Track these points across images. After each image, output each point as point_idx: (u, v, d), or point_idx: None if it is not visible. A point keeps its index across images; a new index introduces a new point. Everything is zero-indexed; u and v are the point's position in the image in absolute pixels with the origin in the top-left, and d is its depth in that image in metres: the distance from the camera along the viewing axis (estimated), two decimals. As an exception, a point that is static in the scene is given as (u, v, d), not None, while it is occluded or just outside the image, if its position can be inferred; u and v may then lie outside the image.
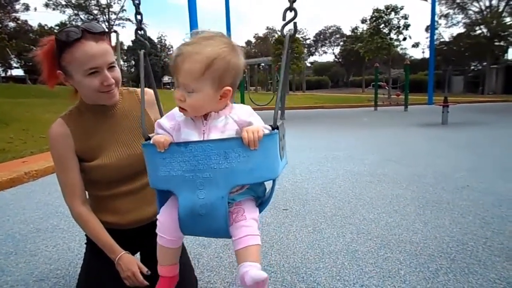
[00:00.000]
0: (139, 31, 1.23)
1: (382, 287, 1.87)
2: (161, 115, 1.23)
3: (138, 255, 1.74)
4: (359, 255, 2.23)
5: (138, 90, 1.52)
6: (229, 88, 1.04)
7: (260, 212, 1.14)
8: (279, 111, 1.08)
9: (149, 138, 1.12)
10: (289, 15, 1.05)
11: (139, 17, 1.25)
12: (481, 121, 9.90)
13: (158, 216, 1.14)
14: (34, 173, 4.39)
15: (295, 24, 1.07)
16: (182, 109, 1.05)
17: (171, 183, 1.05)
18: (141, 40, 1.23)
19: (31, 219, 3.01)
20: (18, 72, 43.47)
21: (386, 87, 19.64)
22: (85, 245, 1.67)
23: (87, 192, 1.55)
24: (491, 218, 2.75)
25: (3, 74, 41.66)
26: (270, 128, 1.04)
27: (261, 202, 1.18)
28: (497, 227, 2.59)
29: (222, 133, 1.04)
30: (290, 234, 2.56)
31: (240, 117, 1.06)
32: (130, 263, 1.41)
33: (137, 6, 1.24)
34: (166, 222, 1.11)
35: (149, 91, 1.65)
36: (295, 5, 1.05)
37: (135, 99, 1.55)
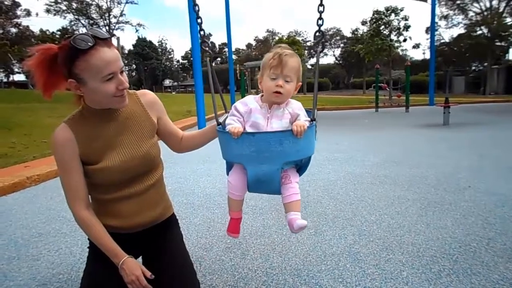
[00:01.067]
0: (203, 44, 1.61)
1: (385, 289, 1.86)
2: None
3: (139, 258, 1.74)
4: (361, 257, 2.22)
5: (138, 92, 1.62)
6: (300, 83, 1.47)
7: (300, 175, 1.52)
8: (316, 109, 1.49)
9: (219, 124, 1.51)
10: (318, 36, 1.52)
11: (202, 32, 1.62)
12: (482, 122, 9.88)
13: (228, 178, 1.49)
14: (36, 178, 4.40)
15: (323, 43, 1.54)
16: (278, 93, 1.40)
17: (242, 159, 1.40)
18: (207, 50, 1.59)
19: (34, 223, 3.02)
20: (20, 77, 43.66)
21: (387, 89, 19.61)
22: (87, 249, 1.67)
23: (91, 195, 1.56)
24: (493, 219, 2.74)
25: (5, 80, 41.82)
26: (309, 120, 1.42)
27: (300, 168, 1.54)
28: (499, 227, 2.58)
29: (280, 120, 1.42)
30: (292, 237, 2.56)
31: (294, 110, 1.43)
32: (133, 267, 1.41)
33: (200, 24, 1.60)
34: (235, 182, 1.47)
35: (149, 93, 1.67)
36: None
37: (136, 101, 1.56)
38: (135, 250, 1.67)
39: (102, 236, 1.44)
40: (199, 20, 1.61)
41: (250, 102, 1.48)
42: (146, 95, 1.65)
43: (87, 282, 1.52)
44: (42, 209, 3.41)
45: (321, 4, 1.49)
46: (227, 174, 1.54)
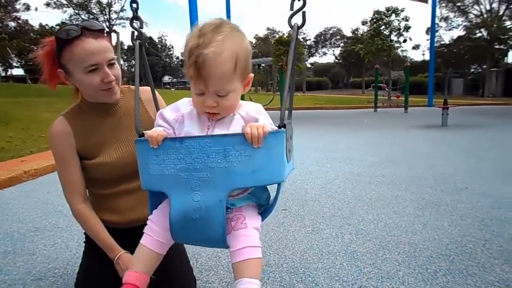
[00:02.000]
0: (134, 20, 1.15)
1: (381, 288, 1.87)
2: (157, 110, 1.17)
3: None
4: (357, 255, 2.23)
5: (140, 88, 1.51)
6: (251, 74, 1.01)
7: (262, 220, 1.05)
8: (286, 111, 0.99)
9: (143, 135, 1.02)
10: (297, 4, 0.98)
11: (134, 5, 1.16)
12: (480, 124, 9.90)
13: (150, 217, 1.07)
14: (33, 172, 4.39)
15: (303, 13, 0.97)
16: (212, 114, 0.97)
17: (163, 183, 0.95)
18: (137, 29, 1.15)
19: (30, 218, 3.01)
20: (19, 71, 43.49)
21: (386, 89, 19.63)
22: (83, 244, 1.66)
23: (88, 190, 1.55)
24: (490, 221, 2.75)
25: (3, 74, 41.65)
26: (276, 127, 0.95)
27: (264, 209, 1.07)
28: (496, 229, 2.59)
29: (227, 130, 0.97)
30: (289, 234, 2.56)
31: (248, 113, 1.00)
32: (129, 262, 1.41)
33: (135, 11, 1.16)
34: (158, 223, 1.02)
35: (148, 89, 1.66)
36: None
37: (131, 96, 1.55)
38: (131, 246, 1.67)
39: (99, 230, 1.43)
40: (134, 5, 1.17)
41: (183, 106, 1.06)
42: (146, 91, 1.64)
43: (83, 277, 1.53)
44: (38, 203, 3.40)
45: None
46: (150, 212, 1.09)
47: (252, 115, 1.00)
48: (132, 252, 1.58)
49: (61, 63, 1.33)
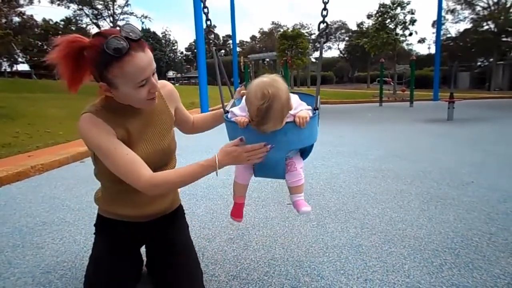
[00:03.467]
0: (209, 35, 1.61)
1: (386, 281, 1.87)
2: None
3: (144, 255, 1.76)
4: (363, 249, 2.23)
5: (160, 82, 1.54)
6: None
7: (304, 159, 1.65)
8: (319, 98, 1.55)
9: (227, 112, 1.57)
10: (322, 26, 1.51)
11: (208, 23, 1.60)
12: (487, 117, 9.83)
13: (236, 166, 1.58)
14: (40, 167, 4.43)
15: (327, 34, 1.53)
16: None
17: None
18: (213, 41, 1.61)
19: (38, 212, 3.04)
20: (24, 67, 43.69)
21: (391, 83, 19.51)
22: (93, 235, 1.67)
23: (103, 184, 1.55)
24: (496, 214, 2.74)
25: (8, 69, 41.87)
26: (311, 109, 1.47)
27: (303, 152, 1.66)
28: (501, 223, 2.58)
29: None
30: (294, 229, 2.57)
31: (295, 109, 1.43)
32: (225, 152, 1.40)
33: (206, 14, 1.60)
34: (241, 166, 1.60)
35: (167, 83, 1.64)
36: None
37: (158, 95, 1.50)
38: (144, 239, 1.70)
39: (184, 174, 1.37)
40: (205, 10, 1.59)
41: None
42: (166, 86, 1.62)
43: (93, 268, 1.54)
44: (46, 198, 3.43)
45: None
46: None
47: (294, 112, 1.43)
48: (143, 245, 1.64)
49: (105, 76, 1.26)
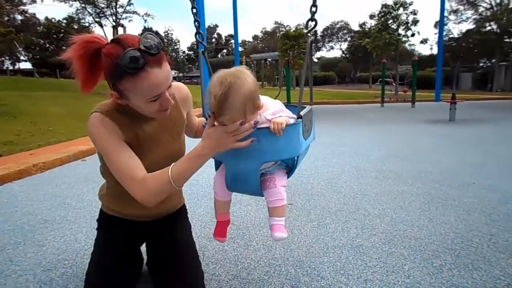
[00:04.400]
0: (197, 35, 1.48)
1: (386, 282, 1.87)
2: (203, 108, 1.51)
3: (144, 257, 1.76)
4: (363, 250, 2.24)
5: (173, 84, 1.43)
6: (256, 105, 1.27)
7: (288, 177, 1.46)
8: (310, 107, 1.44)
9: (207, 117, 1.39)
10: (311, 24, 1.31)
11: (196, 23, 1.49)
12: (488, 119, 9.81)
13: (214, 177, 1.49)
14: (41, 165, 4.44)
15: (315, 32, 1.39)
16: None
17: (221, 156, 1.34)
18: (200, 41, 1.47)
19: (39, 210, 3.05)
20: (26, 65, 43.77)
21: (393, 83, 19.50)
22: (96, 231, 1.67)
23: (108, 183, 1.55)
24: (496, 216, 2.74)
25: (11, 67, 41.94)
26: (294, 118, 1.31)
27: (290, 169, 1.48)
28: (502, 224, 2.58)
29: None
30: (295, 229, 2.57)
31: (274, 113, 1.30)
32: (212, 132, 1.23)
33: (195, 15, 1.50)
34: (217, 181, 1.47)
35: (183, 87, 1.60)
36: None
37: (173, 98, 1.49)
38: (146, 237, 1.71)
39: (179, 169, 1.28)
40: (194, 10, 1.51)
41: None
42: (182, 89, 1.58)
43: (94, 267, 1.54)
44: (47, 196, 3.44)
45: None
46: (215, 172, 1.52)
47: (271, 117, 1.29)
48: (143, 243, 1.63)
49: (117, 87, 1.22)
